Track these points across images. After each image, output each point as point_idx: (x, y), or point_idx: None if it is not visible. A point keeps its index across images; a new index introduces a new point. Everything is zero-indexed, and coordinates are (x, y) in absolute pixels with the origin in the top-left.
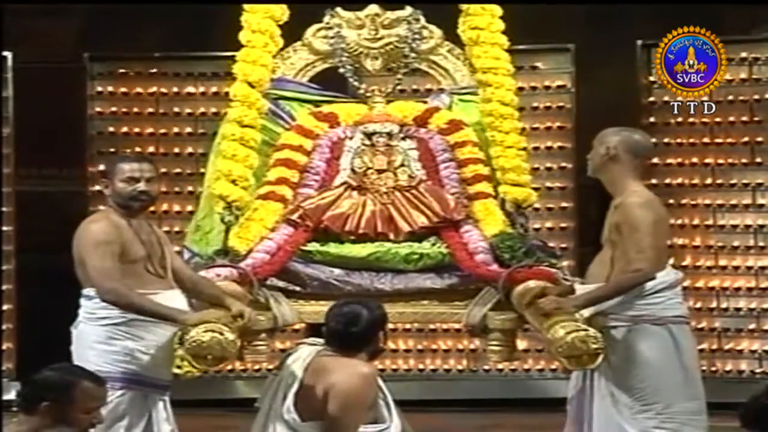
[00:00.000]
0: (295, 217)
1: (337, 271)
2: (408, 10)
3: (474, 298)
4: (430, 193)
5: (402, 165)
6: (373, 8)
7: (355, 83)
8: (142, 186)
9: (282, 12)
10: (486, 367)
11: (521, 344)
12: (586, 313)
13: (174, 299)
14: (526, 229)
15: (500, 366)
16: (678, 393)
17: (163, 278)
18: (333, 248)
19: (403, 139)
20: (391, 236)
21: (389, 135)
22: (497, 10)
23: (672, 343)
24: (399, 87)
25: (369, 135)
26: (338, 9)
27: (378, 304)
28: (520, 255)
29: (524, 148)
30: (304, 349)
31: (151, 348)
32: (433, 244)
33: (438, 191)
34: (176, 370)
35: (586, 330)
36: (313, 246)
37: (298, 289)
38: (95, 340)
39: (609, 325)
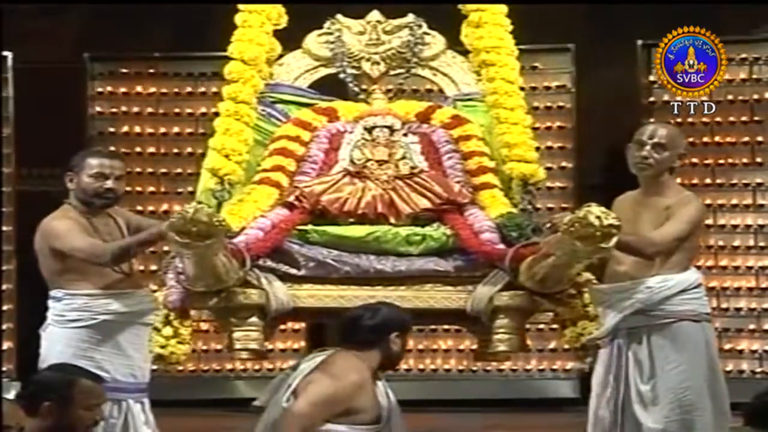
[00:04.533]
0: (291, 198)
1: (334, 251)
2: (410, 17)
3: (479, 284)
4: (432, 179)
5: (403, 158)
6: (375, 15)
7: (356, 89)
8: (109, 183)
9: (280, 13)
10: (486, 368)
11: None
12: (624, 312)
13: (142, 299)
14: (534, 207)
15: (500, 366)
16: (706, 391)
17: (128, 276)
18: (330, 228)
19: (405, 134)
20: (392, 219)
21: (390, 129)
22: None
23: (704, 341)
24: (401, 88)
25: (369, 129)
26: (339, 16)
27: (404, 309)
28: (528, 232)
29: (531, 126)
30: (319, 353)
31: (125, 350)
32: (437, 229)
33: (441, 177)
34: (160, 351)
35: (600, 207)
36: (310, 226)
37: (293, 271)
38: (65, 343)
39: (647, 324)
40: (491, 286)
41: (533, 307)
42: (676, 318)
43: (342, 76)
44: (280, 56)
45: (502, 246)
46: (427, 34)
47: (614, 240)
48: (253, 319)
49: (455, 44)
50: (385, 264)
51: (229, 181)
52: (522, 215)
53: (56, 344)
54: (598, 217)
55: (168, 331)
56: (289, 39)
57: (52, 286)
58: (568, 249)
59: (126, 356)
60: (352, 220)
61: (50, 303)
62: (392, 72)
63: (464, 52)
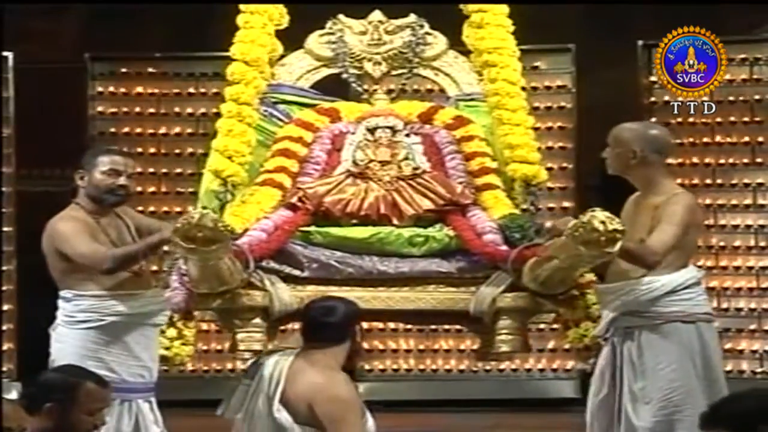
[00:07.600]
0: (294, 200)
1: (338, 253)
2: (412, 17)
3: (482, 285)
4: (435, 180)
5: (406, 158)
6: (377, 15)
7: (358, 89)
8: (122, 180)
9: (281, 13)
10: (486, 367)
11: None
12: (615, 312)
13: (151, 300)
14: (537, 208)
15: (501, 366)
16: (703, 393)
17: (138, 276)
18: (334, 230)
19: (407, 135)
20: (395, 221)
21: (392, 130)
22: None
23: (699, 342)
24: (403, 88)
25: (372, 130)
26: (340, 16)
27: (353, 300)
28: (531, 234)
29: (532, 127)
30: (278, 357)
31: (133, 350)
32: (439, 230)
33: (444, 178)
34: (164, 352)
35: (604, 213)
36: (313, 228)
37: (296, 272)
38: (74, 344)
39: (639, 324)
40: (494, 288)
41: (536, 308)
42: (665, 319)
43: (344, 76)
44: (282, 56)
45: (504, 247)
46: (429, 34)
47: (618, 245)
48: (257, 320)
49: (457, 44)
50: (387, 265)
51: (232, 182)
52: (524, 216)
53: (65, 344)
54: (603, 222)
55: (172, 332)
56: (291, 39)
57: (62, 287)
58: (572, 253)
59: (134, 356)
60: (354, 221)
61: (60, 303)
62: (394, 72)
63: (466, 52)
